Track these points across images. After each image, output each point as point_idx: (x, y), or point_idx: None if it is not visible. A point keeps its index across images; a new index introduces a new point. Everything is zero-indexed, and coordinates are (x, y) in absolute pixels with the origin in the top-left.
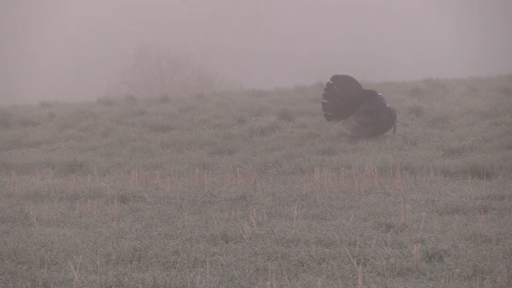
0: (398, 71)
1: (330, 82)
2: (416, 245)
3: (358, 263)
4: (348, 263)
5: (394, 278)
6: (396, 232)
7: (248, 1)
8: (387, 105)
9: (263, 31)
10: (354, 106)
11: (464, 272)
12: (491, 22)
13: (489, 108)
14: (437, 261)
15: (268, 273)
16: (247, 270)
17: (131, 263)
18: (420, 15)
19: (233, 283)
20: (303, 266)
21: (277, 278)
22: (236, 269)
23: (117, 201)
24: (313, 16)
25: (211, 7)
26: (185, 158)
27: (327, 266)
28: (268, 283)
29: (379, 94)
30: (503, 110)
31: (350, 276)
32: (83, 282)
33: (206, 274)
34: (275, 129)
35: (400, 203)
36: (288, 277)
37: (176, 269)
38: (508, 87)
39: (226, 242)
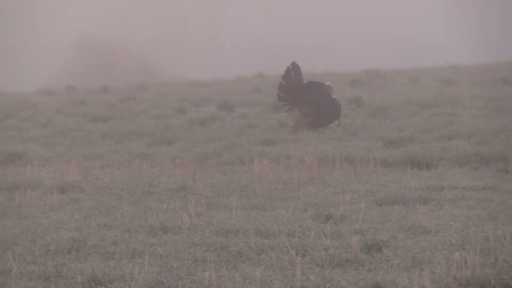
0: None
1: (289, 67)
2: (355, 236)
3: (297, 254)
4: (287, 254)
5: (333, 269)
6: (335, 223)
7: None
8: (333, 96)
9: (204, 22)
10: (300, 96)
11: (403, 263)
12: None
13: (430, 99)
14: (376, 252)
15: (206, 264)
16: (186, 261)
17: (70, 253)
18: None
19: (172, 274)
20: (242, 257)
21: (215, 269)
22: (174, 260)
23: (56, 192)
24: (258, 7)
25: None
26: (124, 149)
27: (266, 257)
28: (206, 274)
29: (327, 83)
30: (443, 101)
31: (289, 267)
32: (21, 272)
33: (145, 265)
34: (215, 120)
35: (339, 194)
36: (226, 268)
37: (115, 259)
38: (449, 77)
39: (165, 233)
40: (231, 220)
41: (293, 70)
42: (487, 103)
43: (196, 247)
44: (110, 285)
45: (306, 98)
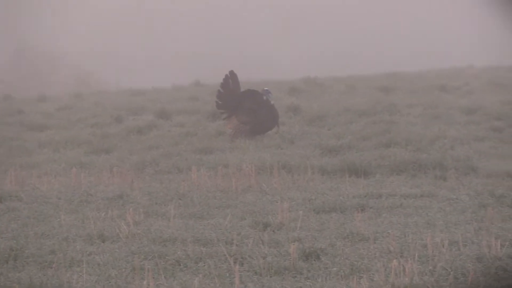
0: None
1: (228, 74)
2: (293, 244)
3: (235, 262)
4: (225, 262)
5: (271, 277)
6: (273, 231)
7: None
8: (272, 102)
9: (140, 31)
10: (238, 105)
11: (341, 271)
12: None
13: (367, 107)
14: (314, 260)
15: (144, 273)
16: (124, 269)
17: (7, 262)
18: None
19: (110, 282)
20: (180, 265)
21: (153, 278)
22: (112, 268)
23: None
24: (193, 15)
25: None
26: (62, 158)
27: (204, 265)
28: (144, 282)
29: (266, 88)
30: (381, 108)
31: (227, 275)
32: None
33: (83, 274)
34: (152, 128)
35: (277, 202)
36: (165, 276)
37: (53, 268)
38: (386, 85)
39: (103, 242)
40: (169, 228)
41: (231, 78)
42: (424, 110)
43: (134, 255)
44: None
45: (244, 106)
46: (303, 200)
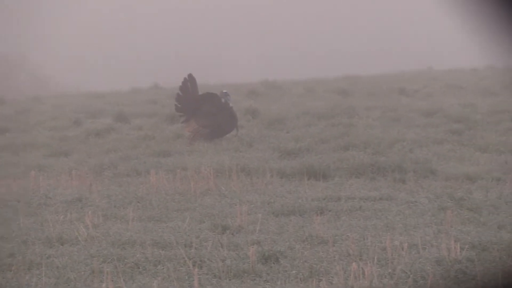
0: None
1: (186, 78)
2: (252, 247)
3: (194, 265)
4: (184, 265)
5: (230, 280)
6: (232, 234)
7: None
8: (231, 105)
9: (99, 34)
10: (196, 108)
11: (300, 273)
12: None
13: (326, 110)
14: (273, 263)
15: (103, 275)
16: (83, 272)
17: None
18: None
19: (69, 285)
20: (139, 268)
21: (112, 280)
22: (71, 271)
23: None
24: (152, 17)
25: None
26: (21, 161)
27: (163, 268)
28: (103, 285)
29: (224, 91)
30: (339, 111)
31: (186, 278)
32: None
33: (42, 277)
34: (111, 131)
35: (236, 205)
36: (123, 279)
37: (12, 271)
38: (345, 88)
39: (62, 245)
40: (128, 231)
41: (190, 81)
42: (383, 113)
43: (93, 258)
44: None
45: (203, 109)
46: (262, 203)
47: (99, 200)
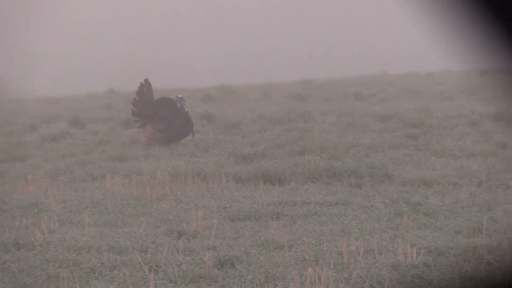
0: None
1: (143, 83)
2: (208, 252)
3: (150, 270)
4: (140, 270)
5: (186, 285)
6: (188, 239)
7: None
8: (186, 109)
9: (54, 39)
10: (152, 113)
11: (256, 278)
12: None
13: (281, 114)
14: (229, 268)
15: (60, 281)
16: (39, 277)
17: None
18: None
19: None
20: (95, 273)
21: (68, 286)
22: (27, 276)
23: None
24: (107, 21)
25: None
26: None
27: (119, 273)
28: None
29: (180, 96)
30: (295, 116)
31: (142, 283)
32: None
33: None
34: (66, 136)
35: (192, 210)
36: (80, 285)
37: None
38: (301, 93)
39: (18, 250)
40: (84, 236)
41: (146, 86)
42: (338, 118)
43: (49, 263)
44: None
45: (158, 114)
46: (217, 208)
47: (55, 205)
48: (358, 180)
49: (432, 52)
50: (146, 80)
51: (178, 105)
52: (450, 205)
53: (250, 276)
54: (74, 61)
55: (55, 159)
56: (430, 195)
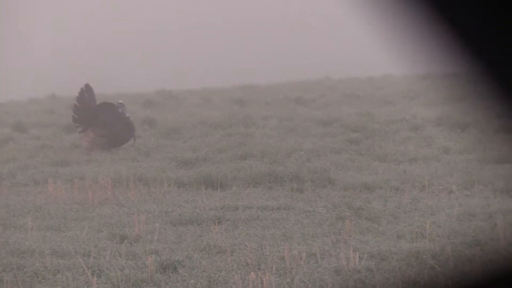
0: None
1: (83, 88)
2: (151, 256)
3: (92, 274)
4: (83, 274)
5: None
6: (131, 243)
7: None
8: (127, 115)
9: None
10: (93, 118)
11: (199, 283)
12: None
13: (222, 119)
14: (172, 272)
15: (3, 285)
16: None
17: None
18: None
19: None
20: (38, 277)
21: None
22: None
23: None
24: (49, 25)
25: None
26: None
27: (62, 277)
28: None
29: (120, 101)
30: (236, 121)
31: (85, 287)
32: None
33: None
34: (9, 141)
35: (134, 214)
36: None
37: None
38: (242, 97)
39: None
40: (27, 240)
41: (87, 91)
42: (280, 122)
43: None
44: None
45: (100, 119)
46: (159, 212)
47: None
48: (300, 184)
49: (373, 56)
50: (87, 85)
51: (120, 110)
52: (392, 209)
53: (192, 281)
54: (14, 65)
55: None
56: (373, 200)
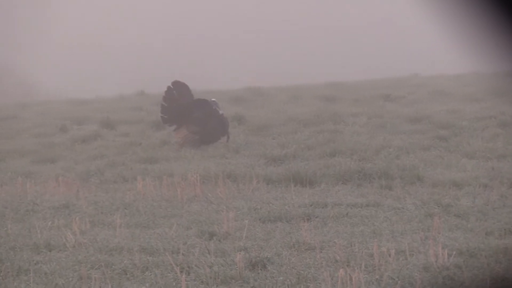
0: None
1: (170, 86)
2: (239, 253)
3: (181, 271)
4: (171, 271)
5: (217, 286)
6: (219, 240)
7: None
8: (220, 112)
9: (82, 42)
10: (187, 114)
11: (288, 280)
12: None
13: (311, 116)
14: (261, 269)
15: (91, 282)
16: (71, 278)
17: None
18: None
19: None
20: (127, 274)
21: (100, 287)
22: (59, 277)
23: None
24: (136, 25)
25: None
26: (7, 167)
27: (151, 275)
28: None
29: (213, 99)
30: (325, 118)
31: (174, 284)
32: None
33: (30, 283)
34: (97, 138)
35: (222, 211)
36: (111, 286)
37: (0, 277)
38: (330, 94)
39: (50, 251)
40: (115, 238)
41: (175, 89)
42: (369, 120)
43: (80, 264)
44: None
45: (193, 116)
46: (248, 209)
47: (86, 206)
48: (388, 181)
49: (461, 54)
50: (175, 83)
51: (213, 107)
52: (481, 206)
53: (281, 278)
54: (104, 63)
55: (86, 160)
56: (461, 197)
